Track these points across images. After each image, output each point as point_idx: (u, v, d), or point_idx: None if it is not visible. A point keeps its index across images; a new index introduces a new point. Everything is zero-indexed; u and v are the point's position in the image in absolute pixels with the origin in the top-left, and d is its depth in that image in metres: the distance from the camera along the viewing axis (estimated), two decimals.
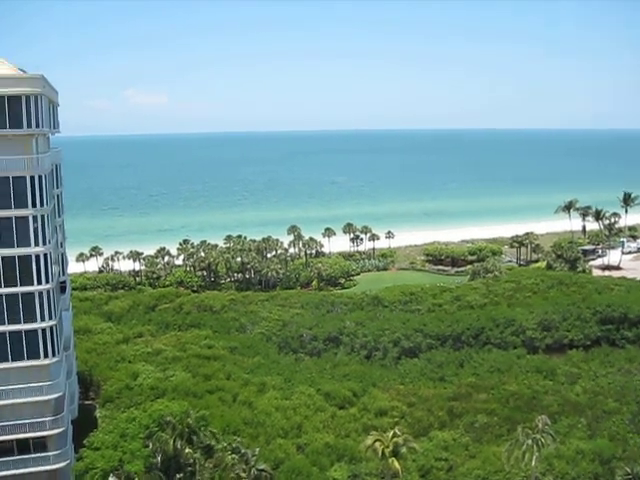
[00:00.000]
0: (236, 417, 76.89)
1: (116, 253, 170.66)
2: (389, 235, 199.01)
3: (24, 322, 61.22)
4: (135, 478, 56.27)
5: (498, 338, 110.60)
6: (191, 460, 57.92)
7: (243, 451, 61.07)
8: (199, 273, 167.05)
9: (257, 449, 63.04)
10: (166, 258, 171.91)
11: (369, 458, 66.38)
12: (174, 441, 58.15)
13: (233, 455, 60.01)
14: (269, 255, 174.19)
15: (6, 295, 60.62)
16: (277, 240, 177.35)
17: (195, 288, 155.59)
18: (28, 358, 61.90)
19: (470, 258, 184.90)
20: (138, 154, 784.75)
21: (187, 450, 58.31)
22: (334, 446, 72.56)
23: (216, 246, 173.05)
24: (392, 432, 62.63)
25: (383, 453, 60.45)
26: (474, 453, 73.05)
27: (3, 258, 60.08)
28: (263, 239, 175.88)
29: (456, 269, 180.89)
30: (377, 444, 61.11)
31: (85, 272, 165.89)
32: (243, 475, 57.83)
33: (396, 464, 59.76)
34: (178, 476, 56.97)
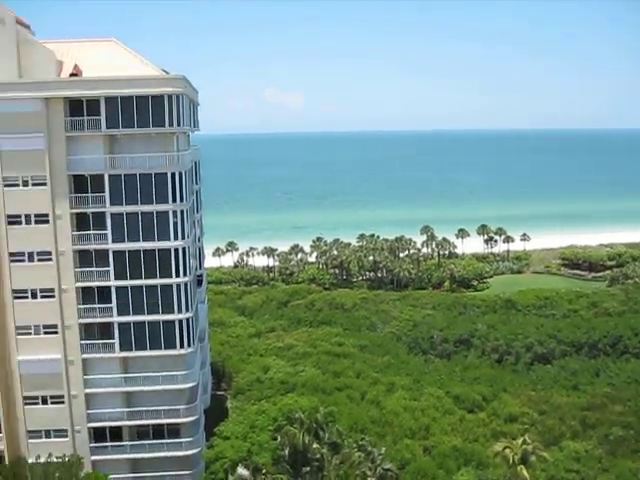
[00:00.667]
0: (364, 415, 77.17)
1: (251, 249, 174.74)
2: (524, 237, 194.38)
3: (162, 313, 63.62)
4: (263, 469, 57.37)
5: (637, 348, 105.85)
6: (318, 455, 58.46)
7: (369, 449, 61.14)
8: (331, 271, 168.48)
9: (383, 448, 62.96)
10: (299, 255, 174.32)
11: (497, 465, 65.01)
12: (302, 435, 58.86)
13: (359, 453, 60.17)
14: (401, 255, 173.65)
15: (146, 286, 63.28)
16: (410, 240, 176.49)
17: (327, 285, 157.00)
18: (165, 348, 64.32)
19: (609, 263, 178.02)
20: (275, 152, 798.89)
21: (315, 445, 58.86)
22: (461, 450, 71.56)
23: (349, 244, 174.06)
24: (522, 439, 61.05)
25: (512, 460, 59.12)
26: (607, 467, 70.22)
27: (144, 251, 62.76)
28: (396, 238, 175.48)
29: (593, 274, 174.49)
30: (507, 451, 59.80)
31: (221, 267, 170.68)
32: (369, 473, 57.87)
33: (525, 473, 58.18)
34: (305, 470, 57.64)
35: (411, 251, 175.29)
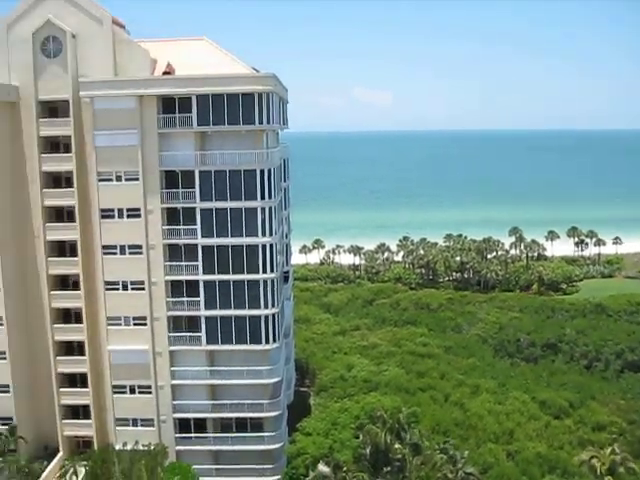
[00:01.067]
0: (447, 417, 76.45)
1: (337, 247, 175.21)
2: (617, 241, 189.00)
3: (249, 308, 64.46)
4: (344, 467, 57.49)
5: None
6: (399, 455, 58.28)
7: (452, 452, 60.56)
8: (417, 270, 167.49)
9: (466, 452, 62.31)
10: (386, 254, 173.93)
11: (582, 474, 63.26)
12: (384, 435, 58.77)
13: (441, 455, 59.69)
14: (489, 256, 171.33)
15: (233, 282, 64.24)
16: (498, 241, 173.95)
17: (413, 285, 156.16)
18: (251, 342, 65.13)
19: None
20: (363, 150, 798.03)
21: (396, 445, 58.72)
22: (546, 457, 70.03)
23: (436, 244, 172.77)
24: (610, 449, 59.49)
25: (599, 471, 57.60)
26: None
27: (232, 247, 63.72)
28: (483, 239, 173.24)
29: None
30: (594, 460, 58.32)
31: (307, 264, 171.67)
32: (450, 476, 57.36)
33: None
34: (385, 470, 57.56)
35: (499, 252, 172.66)
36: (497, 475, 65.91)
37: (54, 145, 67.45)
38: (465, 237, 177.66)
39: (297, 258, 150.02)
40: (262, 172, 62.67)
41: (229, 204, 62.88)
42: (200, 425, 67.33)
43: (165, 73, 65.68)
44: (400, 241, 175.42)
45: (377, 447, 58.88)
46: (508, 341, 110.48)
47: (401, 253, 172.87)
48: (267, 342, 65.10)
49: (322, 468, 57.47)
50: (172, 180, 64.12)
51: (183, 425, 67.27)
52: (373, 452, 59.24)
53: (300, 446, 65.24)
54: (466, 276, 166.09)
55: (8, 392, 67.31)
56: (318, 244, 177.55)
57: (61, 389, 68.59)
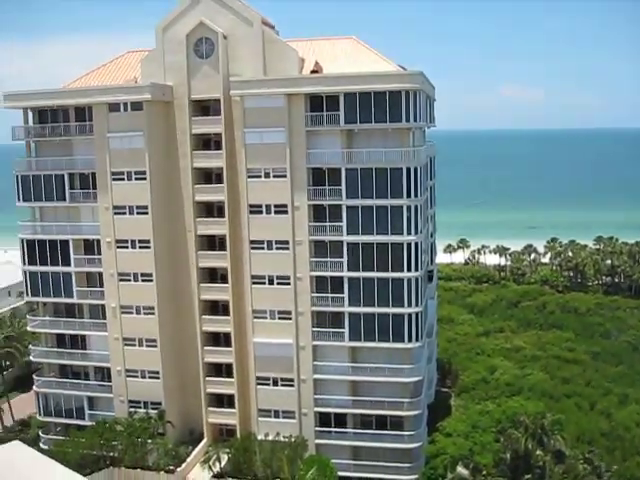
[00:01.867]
0: (592, 426, 73.80)
1: (482, 247, 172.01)
2: None
3: (392, 306, 64.36)
4: (483, 470, 56.53)
5: None
6: (541, 463, 56.62)
7: (596, 463, 58.34)
8: (565, 273, 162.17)
9: (614, 467, 59.79)
10: (532, 255, 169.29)
11: None
12: (526, 440, 57.35)
13: (585, 465, 57.55)
14: None
15: (378, 279, 64.36)
16: None
17: (560, 288, 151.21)
18: (393, 340, 65.05)
19: None
20: (511, 148, 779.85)
21: (538, 452, 57.12)
22: None
23: (585, 247, 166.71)
24: None
25: None
26: None
27: (377, 244, 63.85)
28: (636, 242, 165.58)
29: None
30: None
31: (451, 263, 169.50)
32: None
33: None
34: (526, 476, 56.08)
35: None
36: None
37: (205, 142, 69.83)
38: (617, 240, 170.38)
39: (442, 257, 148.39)
40: (408, 170, 62.41)
41: (375, 202, 63.02)
42: (340, 420, 67.97)
43: (313, 72, 66.61)
44: (548, 242, 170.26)
45: (517, 452, 57.44)
46: None
47: (548, 255, 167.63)
48: (410, 341, 64.84)
49: (461, 470, 56.75)
50: (319, 177, 64.97)
51: (323, 419, 68.11)
52: (513, 457, 57.83)
53: (439, 446, 64.81)
54: (617, 280, 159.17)
55: (158, 378, 70.43)
56: (463, 244, 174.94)
57: (207, 378, 71.06)
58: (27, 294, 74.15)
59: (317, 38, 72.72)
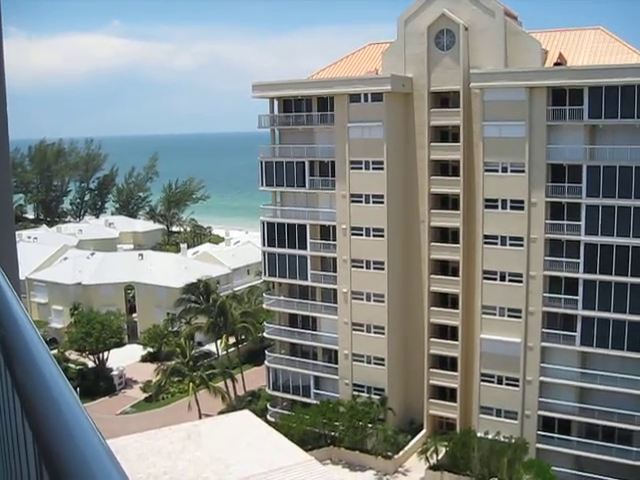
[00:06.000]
0: None
1: None
2: None
3: (629, 313, 60.63)
4: None
5: None
6: None
7: None
8: None
9: None
10: None
11: None
12: None
13: None
14: None
15: (615, 283, 61.05)
16: None
17: None
18: (628, 349, 61.08)
19: None
20: None
21: None
22: None
23: None
24: None
25: None
26: None
27: (617, 247, 60.42)
28: None
29: None
30: None
31: None
32: None
33: None
34: None
35: None
36: None
37: (443, 134, 69.85)
38: None
39: None
40: None
41: (617, 202, 59.92)
42: (564, 426, 65.52)
43: (556, 64, 64.51)
44: None
45: None
46: None
47: None
48: None
49: None
50: (557, 174, 62.89)
51: (546, 423, 66.03)
52: None
53: None
54: None
55: (383, 365, 71.63)
56: None
57: (431, 369, 71.32)
58: (265, 274, 78.11)
59: (562, 29, 70.36)
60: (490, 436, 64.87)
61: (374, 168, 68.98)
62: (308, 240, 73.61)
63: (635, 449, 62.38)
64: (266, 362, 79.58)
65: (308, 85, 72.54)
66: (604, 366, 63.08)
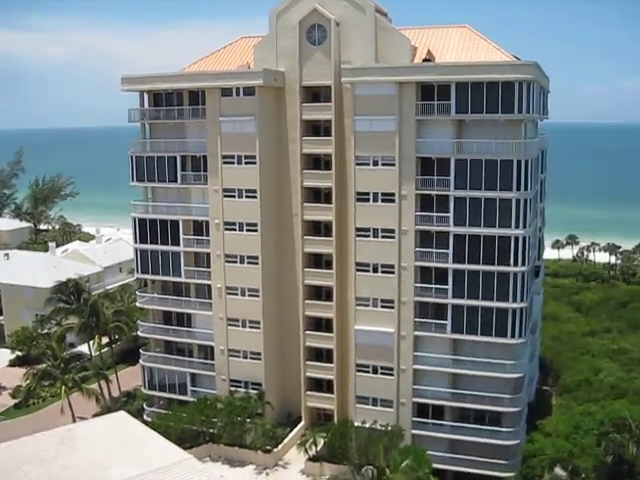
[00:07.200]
0: None
1: (592, 244, 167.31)
2: None
3: (497, 300, 63.29)
4: (582, 474, 55.13)
5: None
6: None
7: None
8: None
9: None
10: None
11: None
12: (630, 445, 55.64)
13: None
14: None
15: (483, 272, 63.37)
16: None
17: None
18: (495, 335, 63.97)
19: None
20: (628, 143, 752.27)
21: None
22: None
23: None
24: None
25: None
26: None
27: (484, 237, 62.82)
28: None
29: None
30: None
31: (559, 259, 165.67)
32: None
33: None
34: None
35: None
36: None
37: (315, 129, 70.32)
38: None
39: (549, 253, 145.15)
40: (519, 163, 61.03)
41: (483, 194, 61.98)
42: (438, 412, 67.48)
43: (425, 60, 66.01)
44: None
45: (621, 457, 55.82)
46: None
47: None
48: (513, 336, 63.68)
49: (559, 472, 55.69)
50: (427, 167, 64.44)
51: (421, 410, 67.81)
52: (616, 462, 56.19)
53: (538, 446, 63.33)
54: None
55: (259, 359, 71.64)
56: (572, 240, 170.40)
57: (307, 362, 71.88)
58: (137, 271, 76.55)
59: (430, 26, 72.00)
60: (367, 425, 65.99)
61: (247, 162, 68.70)
62: (181, 236, 72.62)
63: (505, 430, 64.93)
64: (141, 361, 78.04)
65: (178, 78, 71.37)
66: (474, 352, 65.30)
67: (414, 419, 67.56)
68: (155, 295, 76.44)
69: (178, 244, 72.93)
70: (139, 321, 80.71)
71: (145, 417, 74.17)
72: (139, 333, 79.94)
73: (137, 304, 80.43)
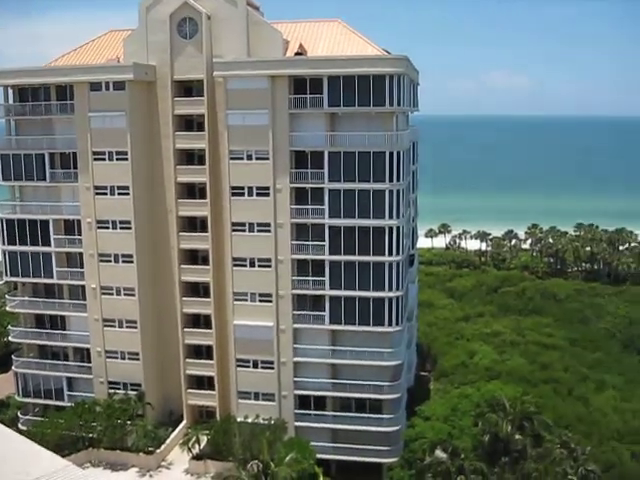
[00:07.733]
0: (569, 412, 74.31)
1: (464, 232, 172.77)
2: None
3: (373, 290, 64.50)
4: (461, 454, 56.84)
5: None
6: (519, 446, 57.10)
7: (573, 447, 58.85)
8: (545, 259, 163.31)
9: (588, 448, 60.39)
10: (513, 241, 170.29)
11: None
12: (505, 424, 57.73)
13: (562, 450, 58.03)
14: (621, 247, 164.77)
15: (359, 263, 64.42)
16: (631, 232, 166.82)
17: (540, 274, 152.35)
18: (373, 324, 65.23)
19: None
20: (494, 135, 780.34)
21: (517, 436, 57.53)
22: None
23: (565, 233, 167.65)
24: None
25: None
26: None
27: (359, 228, 63.83)
28: (616, 230, 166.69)
29: None
30: None
31: (432, 248, 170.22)
32: (570, 472, 55.56)
33: None
34: (503, 460, 56.55)
35: (632, 244, 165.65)
36: (619, 475, 63.63)
37: (188, 123, 69.46)
38: (596, 227, 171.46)
39: (423, 242, 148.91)
40: (391, 154, 62.32)
41: (357, 185, 62.95)
42: (320, 403, 68.22)
43: (297, 54, 66.31)
44: (528, 229, 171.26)
45: (497, 436, 57.84)
46: (638, 336, 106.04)
47: (529, 241, 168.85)
48: (390, 324, 65.05)
49: (440, 454, 56.95)
50: (301, 160, 64.83)
51: (303, 402, 68.34)
52: (492, 441, 58.19)
53: (418, 430, 65.02)
54: (596, 267, 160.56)
55: (138, 359, 70.38)
56: (444, 228, 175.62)
57: (187, 360, 71.13)
58: (6, 274, 73.57)
59: (302, 20, 72.33)
60: (250, 420, 65.94)
61: (118, 159, 67.17)
62: (52, 236, 70.30)
63: (385, 417, 66.30)
64: (13, 367, 75.15)
65: (45, 73, 68.91)
66: (353, 342, 66.31)
67: (296, 411, 68.02)
68: (26, 298, 73.72)
69: (49, 244, 70.56)
70: (10, 326, 77.61)
71: (20, 426, 71.46)
72: (10, 338, 76.89)
73: (7, 308, 77.38)
